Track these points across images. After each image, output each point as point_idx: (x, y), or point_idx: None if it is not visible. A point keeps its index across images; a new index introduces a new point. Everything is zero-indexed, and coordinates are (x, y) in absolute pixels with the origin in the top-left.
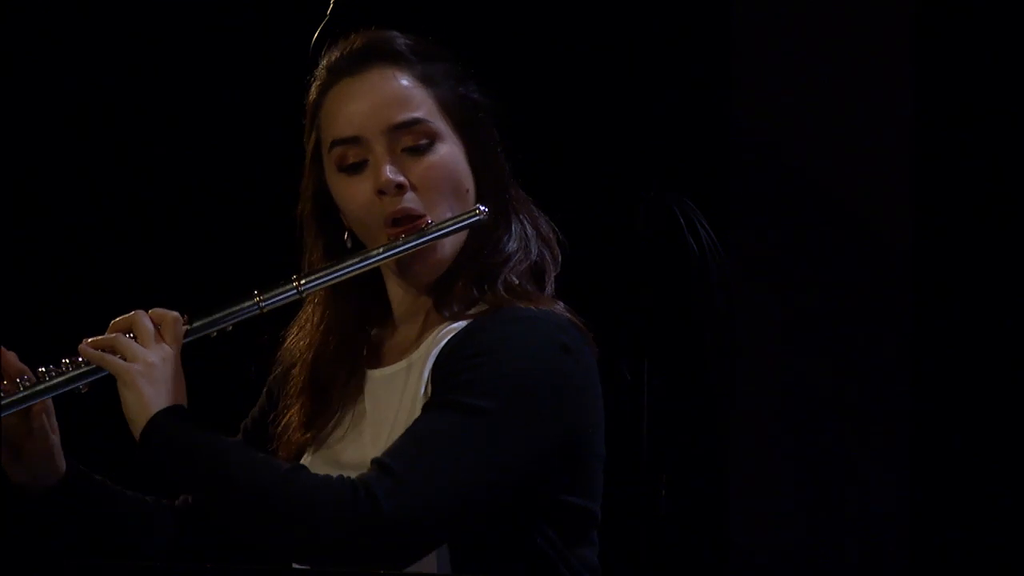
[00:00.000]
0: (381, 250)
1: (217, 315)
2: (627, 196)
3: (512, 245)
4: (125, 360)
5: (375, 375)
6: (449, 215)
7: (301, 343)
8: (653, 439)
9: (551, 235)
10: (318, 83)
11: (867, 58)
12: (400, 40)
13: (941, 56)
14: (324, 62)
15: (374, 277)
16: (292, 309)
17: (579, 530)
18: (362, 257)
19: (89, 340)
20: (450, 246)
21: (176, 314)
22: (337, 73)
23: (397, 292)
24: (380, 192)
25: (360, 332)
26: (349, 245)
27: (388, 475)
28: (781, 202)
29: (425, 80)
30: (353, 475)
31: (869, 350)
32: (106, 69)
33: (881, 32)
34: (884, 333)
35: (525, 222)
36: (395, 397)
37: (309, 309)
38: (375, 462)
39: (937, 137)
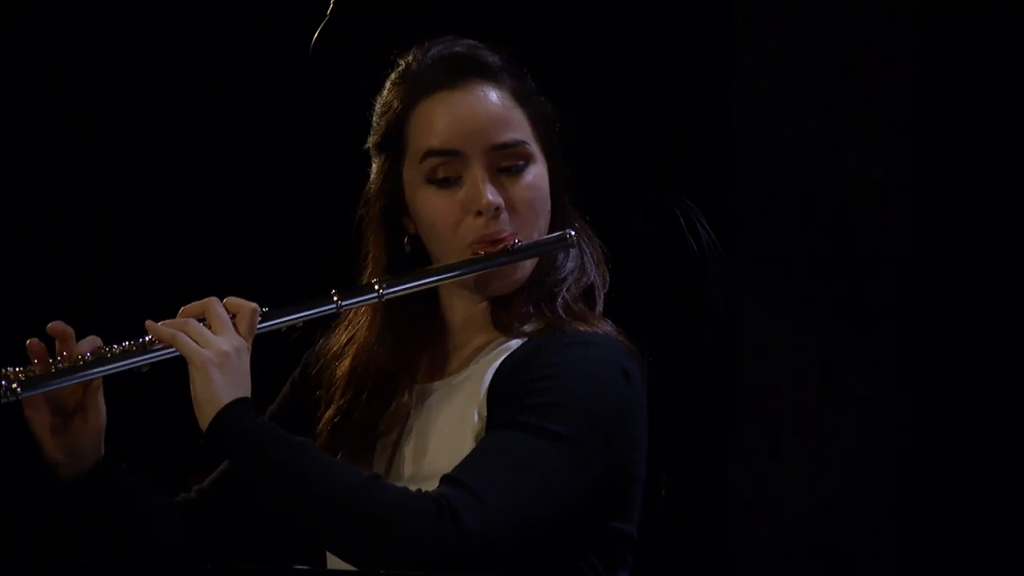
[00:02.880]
0: (467, 264)
1: (293, 311)
2: (627, 196)
3: (570, 265)
4: (197, 345)
5: (424, 388)
6: (535, 236)
7: (352, 342)
8: (652, 439)
9: (601, 256)
10: (403, 90)
11: (867, 57)
12: (491, 55)
13: (941, 56)
14: (405, 67)
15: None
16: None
17: (619, 555)
18: (446, 269)
19: (158, 323)
20: (528, 265)
21: (254, 305)
22: (429, 84)
23: (455, 304)
24: (477, 213)
25: (412, 339)
26: (408, 250)
27: (469, 493)
28: (781, 202)
29: (518, 98)
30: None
31: (869, 350)
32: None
33: (881, 31)
34: (884, 333)
35: (583, 242)
36: (445, 412)
37: (363, 308)
38: (449, 479)
39: (937, 137)
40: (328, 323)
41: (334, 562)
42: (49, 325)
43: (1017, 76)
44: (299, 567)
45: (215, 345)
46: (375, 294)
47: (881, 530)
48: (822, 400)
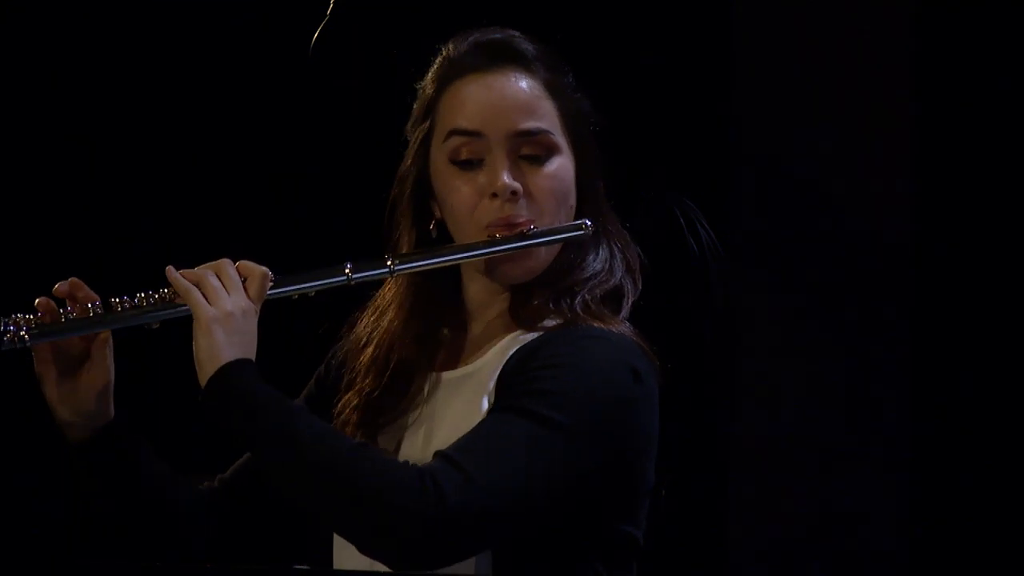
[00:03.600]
0: (481, 246)
1: (305, 279)
2: (627, 196)
3: (596, 265)
4: (206, 302)
5: (440, 376)
6: (553, 226)
7: (377, 327)
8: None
9: (636, 262)
10: (437, 74)
11: (868, 56)
12: (527, 44)
13: (942, 55)
14: (444, 53)
15: (452, 274)
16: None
17: (624, 560)
18: (460, 249)
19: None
20: (545, 255)
21: (265, 269)
22: (463, 67)
23: (475, 292)
24: (493, 195)
25: (434, 327)
26: (434, 235)
27: (456, 469)
28: (781, 202)
29: (550, 89)
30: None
31: (869, 349)
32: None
33: (881, 30)
34: (884, 333)
35: (614, 245)
36: (456, 401)
37: (387, 294)
38: (441, 454)
39: (938, 136)
40: (350, 312)
41: (340, 558)
42: (55, 287)
43: (1018, 77)
44: (299, 567)
45: (222, 304)
46: (386, 269)
47: (881, 531)
48: (822, 400)
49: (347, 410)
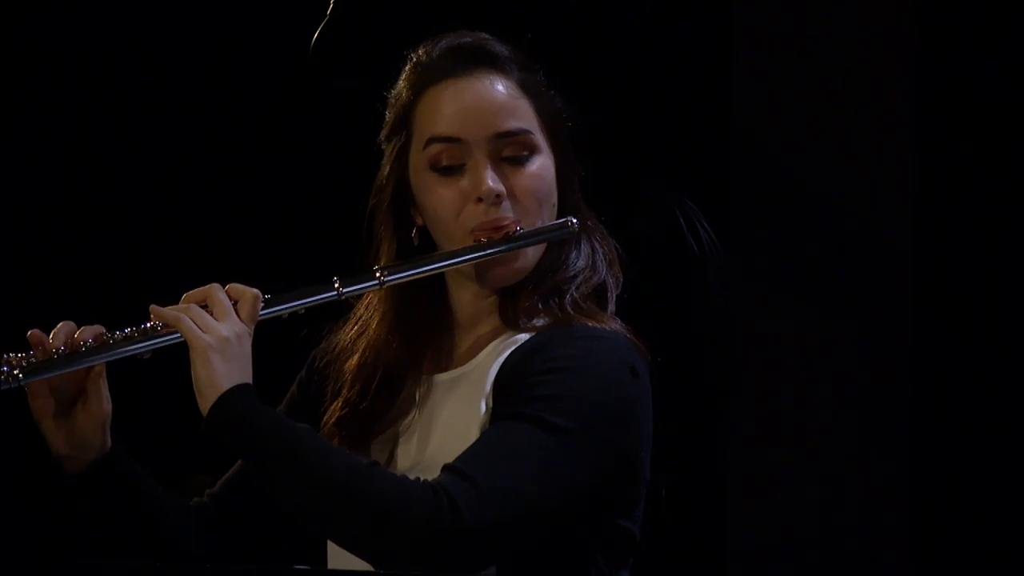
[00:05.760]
0: (468, 251)
1: (295, 297)
2: (627, 196)
3: (580, 263)
4: (199, 330)
5: (431, 380)
6: (538, 226)
7: (362, 336)
8: (653, 439)
9: (615, 256)
10: (411, 80)
11: (868, 57)
12: (500, 46)
13: (941, 57)
14: (416, 59)
15: (437, 282)
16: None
17: (623, 554)
18: (446, 256)
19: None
20: (532, 255)
21: (256, 291)
22: (437, 72)
23: (462, 296)
24: (478, 199)
25: (421, 332)
26: (416, 243)
27: (468, 483)
28: (781, 202)
29: (526, 90)
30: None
31: (869, 349)
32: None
33: (881, 31)
34: (884, 332)
35: (595, 240)
36: (451, 402)
37: (370, 304)
38: (450, 467)
39: (937, 136)
40: (335, 319)
41: (334, 562)
42: (51, 336)
43: (1018, 77)
44: (299, 567)
45: (216, 331)
46: (376, 281)
47: (881, 530)
48: (822, 399)
49: (333, 420)
